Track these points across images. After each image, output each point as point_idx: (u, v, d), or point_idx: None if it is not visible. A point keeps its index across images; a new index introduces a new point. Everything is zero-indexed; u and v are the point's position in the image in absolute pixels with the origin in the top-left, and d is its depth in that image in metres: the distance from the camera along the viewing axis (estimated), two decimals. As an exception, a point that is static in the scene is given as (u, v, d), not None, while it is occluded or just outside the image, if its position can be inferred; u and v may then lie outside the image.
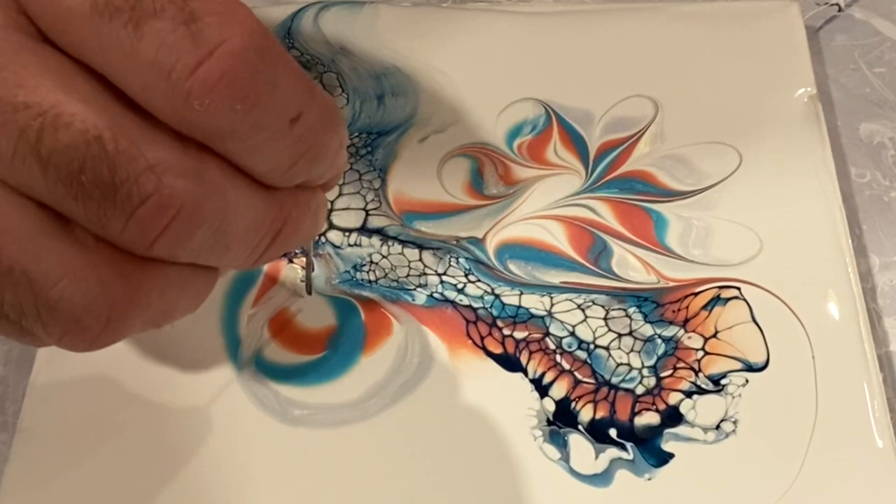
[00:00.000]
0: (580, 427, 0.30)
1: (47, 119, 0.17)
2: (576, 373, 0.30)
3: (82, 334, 0.20)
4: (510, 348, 0.31)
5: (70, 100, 0.18)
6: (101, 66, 0.18)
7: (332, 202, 0.34)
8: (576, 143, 0.35)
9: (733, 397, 0.30)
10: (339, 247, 0.33)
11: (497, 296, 0.32)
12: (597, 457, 0.29)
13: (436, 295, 0.32)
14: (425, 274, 0.32)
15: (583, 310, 0.32)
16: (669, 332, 0.31)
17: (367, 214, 0.34)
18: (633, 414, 0.30)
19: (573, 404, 0.30)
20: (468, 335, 0.31)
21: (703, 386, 0.30)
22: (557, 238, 0.33)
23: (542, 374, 0.30)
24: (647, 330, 0.31)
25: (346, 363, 0.31)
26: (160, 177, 0.18)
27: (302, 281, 0.32)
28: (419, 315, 0.32)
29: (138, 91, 0.18)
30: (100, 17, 0.17)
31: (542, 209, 0.34)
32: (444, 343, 0.31)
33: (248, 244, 0.22)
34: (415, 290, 0.32)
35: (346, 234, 0.33)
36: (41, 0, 0.18)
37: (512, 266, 0.33)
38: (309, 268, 0.32)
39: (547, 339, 0.31)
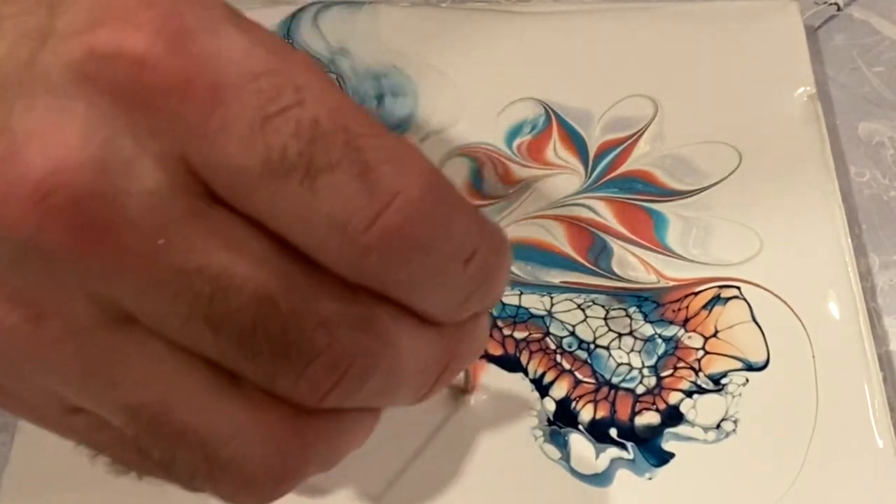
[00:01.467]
0: (580, 427, 0.30)
1: (219, 283, 0.17)
2: (576, 373, 0.30)
3: (256, 491, 0.19)
4: (510, 348, 0.31)
5: (240, 261, 0.17)
6: (274, 223, 0.17)
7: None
8: (576, 142, 0.35)
9: (733, 397, 0.30)
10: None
11: (497, 296, 0.32)
12: (597, 456, 0.29)
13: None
14: (425, 274, 0.32)
15: (583, 310, 0.32)
16: (669, 331, 0.31)
17: (367, 214, 0.34)
18: (634, 413, 0.30)
19: (573, 404, 0.30)
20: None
21: (704, 385, 0.30)
22: (557, 238, 0.33)
23: (543, 374, 0.31)
24: (648, 329, 0.31)
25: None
26: (332, 332, 0.18)
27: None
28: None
29: (313, 246, 0.17)
30: (273, 175, 0.17)
31: (542, 209, 0.34)
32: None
33: (416, 385, 0.21)
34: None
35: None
36: (211, 160, 0.17)
37: (512, 266, 0.33)
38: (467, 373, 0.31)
39: (547, 338, 0.31)
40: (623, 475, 0.29)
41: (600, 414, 0.30)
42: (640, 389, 0.30)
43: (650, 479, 0.29)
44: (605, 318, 0.31)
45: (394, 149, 0.17)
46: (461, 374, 0.30)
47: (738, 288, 0.32)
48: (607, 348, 0.31)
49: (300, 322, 0.17)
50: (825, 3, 0.40)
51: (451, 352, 0.21)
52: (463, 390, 0.30)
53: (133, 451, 0.20)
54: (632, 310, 0.32)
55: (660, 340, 0.31)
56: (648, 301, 0.32)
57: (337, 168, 0.17)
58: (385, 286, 0.18)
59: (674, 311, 0.31)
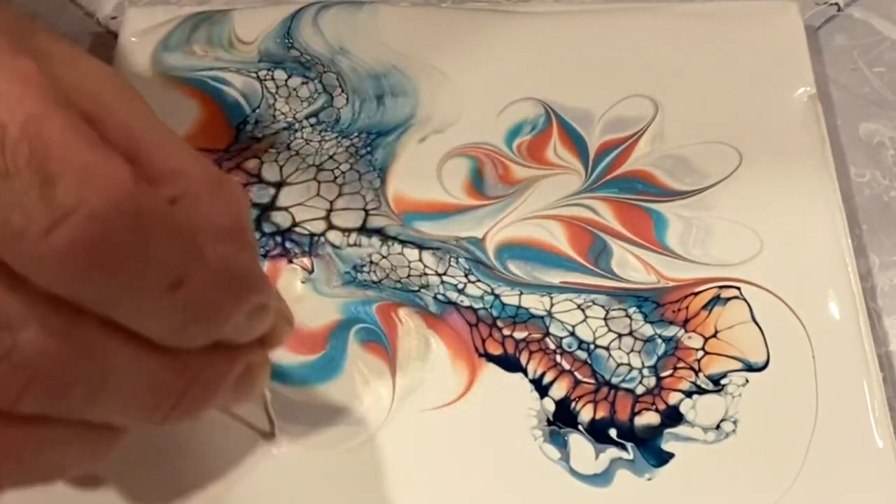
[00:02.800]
0: (580, 427, 0.30)
1: None
2: (576, 373, 0.30)
3: None
4: (510, 348, 0.31)
5: None
6: None
7: (331, 202, 0.34)
8: (576, 142, 0.35)
9: (733, 397, 0.30)
10: (338, 247, 0.33)
11: (497, 296, 0.32)
12: (597, 457, 0.29)
13: (439, 296, 0.32)
14: (425, 274, 0.32)
15: (583, 310, 0.32)
16: (669, 332, 0.31)
17: (367, 214, 0.34)
18: (633, 414, 0.30)
19: (573, 404, 0.30)
20: (470, 337, 0.31)
21: (703, 386, 0.30)
22: (557, 238, 0.33)
23: (542, 375, 0.30)
24: (648, 330, 0.31)
25: (347, 363, 0.31)
26: (16, 335, 0.18)
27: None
28: (420, 316, 0.32)
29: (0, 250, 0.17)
30: None
31: (542, 209, 0.34)
32: (444, 344, 0.31)
33: (143, 404, 0.20)
34: (418, 291, 0.32)
35: (346, 234, 0.33)
36: None
37: (512, 266, 0.33)
38: (267, 407, 0.30)
39: (547, 339, 0.31)
40: (623, 475, 0.29)
41: (600, 414, 0.30)
42: (640, 390, 0.30)
43: (650, 479, 0.29)
44: (605, 319, 0.31)
45: (86, 164, 0.17)
46: (263, 416, 0.29)
47: (738, 288, 0.32)
48: (607, 348, 0.31)
49: None
50: (826, 3, 0.40)
51: (188, 378, 0.21)
52: (266, 434, 0.29)
53: None
54: (632, 310, 0.32)
55: (660, 341, 0.31)
56: (648, 301, 0.32)
57: (17, 176, 0.17)
58: (79, 300, 0.18)
59: (674, 311, 0.31)
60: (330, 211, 0.34)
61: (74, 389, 0.19)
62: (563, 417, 0.30)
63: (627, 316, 0.31)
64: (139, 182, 0.18)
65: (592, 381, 0.30)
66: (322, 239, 0.33)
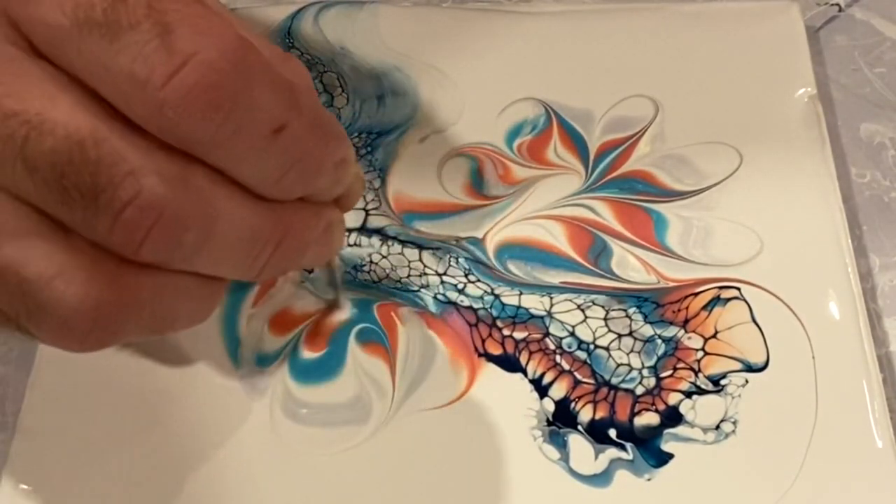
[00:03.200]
0: (580, 427, 0.30)
1: (33, 126, 0.18)
2: (576, 373, 0.30)
3: (71, 335, 0.20)
4: (510, 348, 0.31)
5: (56, 108, 0.18)
6: (86, 77, 0.19)
7: (332, 202, 0.34)
8: (576, 142, 0.35)
9: (733, 397, 0.30)
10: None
11: (497, 296, 0.32)
12: (596, 457, 0.29)
13: (439, 296, 0.32)
14: (425, 274, 0.32)
15: (583, 310, 0.32)
16: (669, 332, 0.31)
17: (367, 214, 0.34)
18: (633, 414, 0.30)
19: (573, 404, 0.30)
20: (470, 338, 0.31)
21: (703, 386, 0.30)
22: (557, 238, 0.33)
23: (542, 375, 0.30)
24: (647, 330, 0.31)
25: (348, 363, 0.31)
26: (141, 181, 0.19)
27: (303, 281, 0.32)
28: (420, 316, 0.32)
29: (119, 101, 0.19)
30: (79, 31, 0.18)
31: (542, 209, 0.34)
32: (444, 344, 0.31)
33: (245, 254, 0.22)
34: (418, 291, 0.32)
35: (346, 234, 0.33)
36: (27, 16, 0.19)
37: (512, 266, 0.33)
38: (335, 276, 0.32)
39: (547, 339, 0.31)
40: (622, 476, 0.29)
41: (599, 414, 0.30)
42: (640, 390, 0.30)
43: (649, 479, 0.29)
44: (605, 319, 0.31)
45: (196, 15, 0.19)
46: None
47: (738, 289, 0.32)
48: (607, 349, 0.31)
49: (110, 169, 0.19)
50: (826, 3, 0.40)
51: (283, 229, 0.22)
52: (331, 303, 0.32)
53: None
54: (632, 310, 0.32)
55: (659, 341, 0.31)
56: (648, 302, 0.32)
57: (138, 27, 0.18)
58: (191, 146, 0.20)
59: (674, 311, 0.31)
60: (330, 211, 0.34)
61: (188, 235, 0.20)
62: (562, 418, 0.30)
63: (627, 316, 0.31)
64: (242, 35, 0.19)
65: (592, 381, 0.30)
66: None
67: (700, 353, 0.31)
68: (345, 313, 0.32)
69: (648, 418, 0.30)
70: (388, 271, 0.33)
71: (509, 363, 0.31)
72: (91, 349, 0.21)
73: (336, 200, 0.25)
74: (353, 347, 0.31)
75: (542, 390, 0.30)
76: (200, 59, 0.19)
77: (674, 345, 0.31)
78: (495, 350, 0.31)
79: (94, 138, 0.19)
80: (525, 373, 0.31)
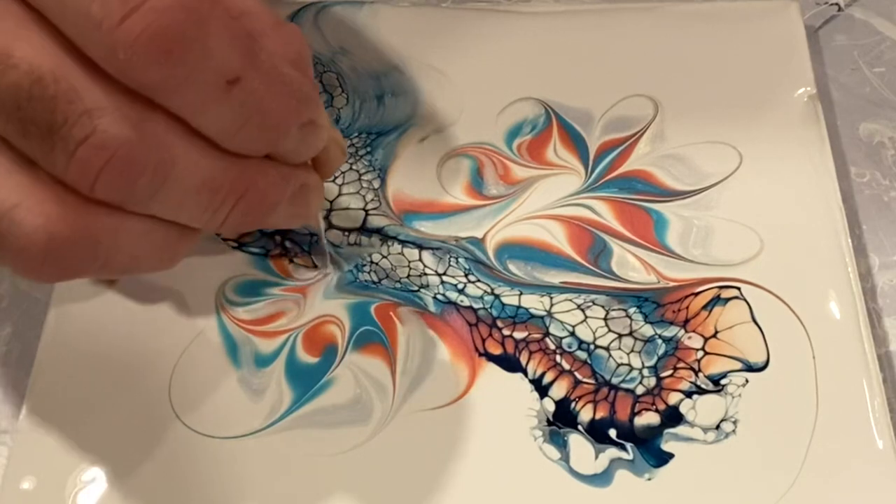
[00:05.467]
0: (580, 427, 0.30)
1: None
2: (576, 373, 0.30)
3: (27, 264, 0.21)
4: (510, 348, 0.31)
5: (21, 44, 0.19)
6: (49, 14, 0.19)
7: (331, 202, 0.34)
8: (576, 142, 0.35)
9: (733, 397, 0.30)
10: (338, 246, 0.33)
11: (497, 296, 0.32)
12: (597, 457, 0.29)
13: (439, 296, 0.32)
14: (425, 274, 0.32)
15: (583, 310, 0.32)
16: (669, 332, 0.31)
17: (367, 214, 0.34)
18: (633, 414, 0.30)
19: (573, 404, 0.30)
20: (470, 337, 0.31)
21: (703, 386, 0.30)
22: (557, 238, 0.33)
23: (542, 375, 0.30)
24: (648, 330, 0.31)
25: (346, 364, 0.31)
26: (96, 121, 0.20)
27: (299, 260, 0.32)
28: (420, 316, 0.32)
29: (78, 40, 0.19)
30: None
31: (542, 209, 0.34)
32: (444, 344, 0.31)
33: (203, 204, 0.22)
34: (417, 291, 0.32)
35: (346, 233, 0.33)
36: None
37: (511, 266, 0.33)
38: (322, 244, 0.32)
39: (547, 339, 0.31)
40: (622, 476, 0.29)
41: (600, 414, 0.30)
42: (640, 390, 0.30)
43: (649, 479, 0.29)
44: (605, 319, 0.31)
45: None
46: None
47: (739, 288, 0.32)
48: (607, 349, 0.31)
49: (67, 106, 0.19)
50: (826, 3, 0.40)
51: (245, 183, 0.23)
52: (319, 268, 0.32)
53: None
54: (632, 310, 0.32)
55: (660, 341, 0.31)
56: (648, 301, 0.32)
57: None
58: (146, 89, 0.20)
59: (674, 311, 0.31)
60: (330, 211, 0.34)
61: (143, 177, 0.21)
62: (562, 417, 0.30)
63: (627, 316, 0.31)
64: None
65: (592, 381, 0.30)
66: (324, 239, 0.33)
67: (700, 353, 0.31)
68: (332, 278, 0.32)
69: (649, 418, 0.30)
70: (387, 271, 0.33)
71: (509, 363, 0.31)
72: (48, 280, 0.22)
73: (315, 166, 0.26)
74: (353, 348, 0.31)
75: (542, 390, 0.30)
76: (154, 4, 0.19)
77: (674, 344, 0.31)
78: (495, 350, 0.31)
79: (54, 75, 0.19)
80: (525, 373, 0.31)
